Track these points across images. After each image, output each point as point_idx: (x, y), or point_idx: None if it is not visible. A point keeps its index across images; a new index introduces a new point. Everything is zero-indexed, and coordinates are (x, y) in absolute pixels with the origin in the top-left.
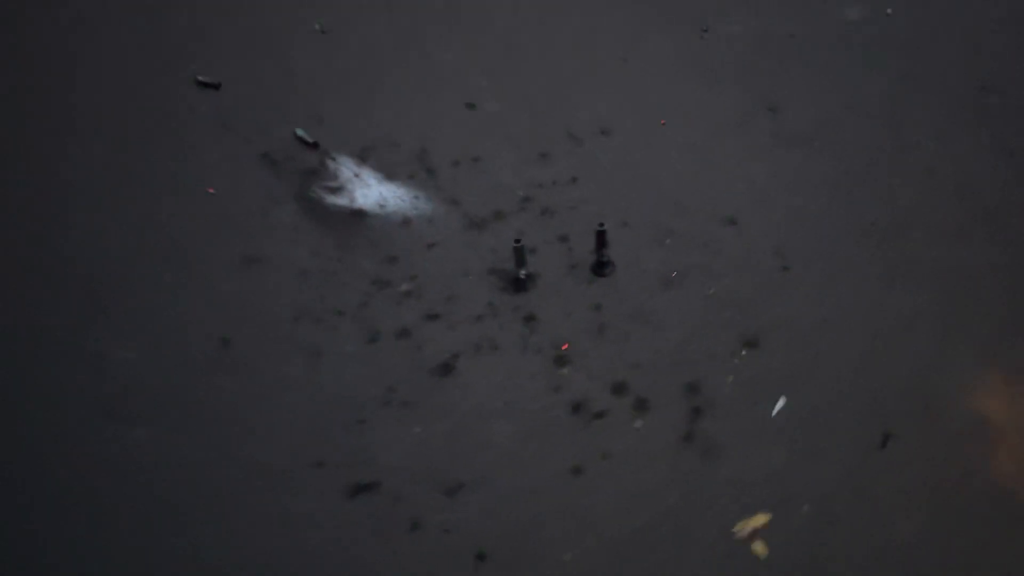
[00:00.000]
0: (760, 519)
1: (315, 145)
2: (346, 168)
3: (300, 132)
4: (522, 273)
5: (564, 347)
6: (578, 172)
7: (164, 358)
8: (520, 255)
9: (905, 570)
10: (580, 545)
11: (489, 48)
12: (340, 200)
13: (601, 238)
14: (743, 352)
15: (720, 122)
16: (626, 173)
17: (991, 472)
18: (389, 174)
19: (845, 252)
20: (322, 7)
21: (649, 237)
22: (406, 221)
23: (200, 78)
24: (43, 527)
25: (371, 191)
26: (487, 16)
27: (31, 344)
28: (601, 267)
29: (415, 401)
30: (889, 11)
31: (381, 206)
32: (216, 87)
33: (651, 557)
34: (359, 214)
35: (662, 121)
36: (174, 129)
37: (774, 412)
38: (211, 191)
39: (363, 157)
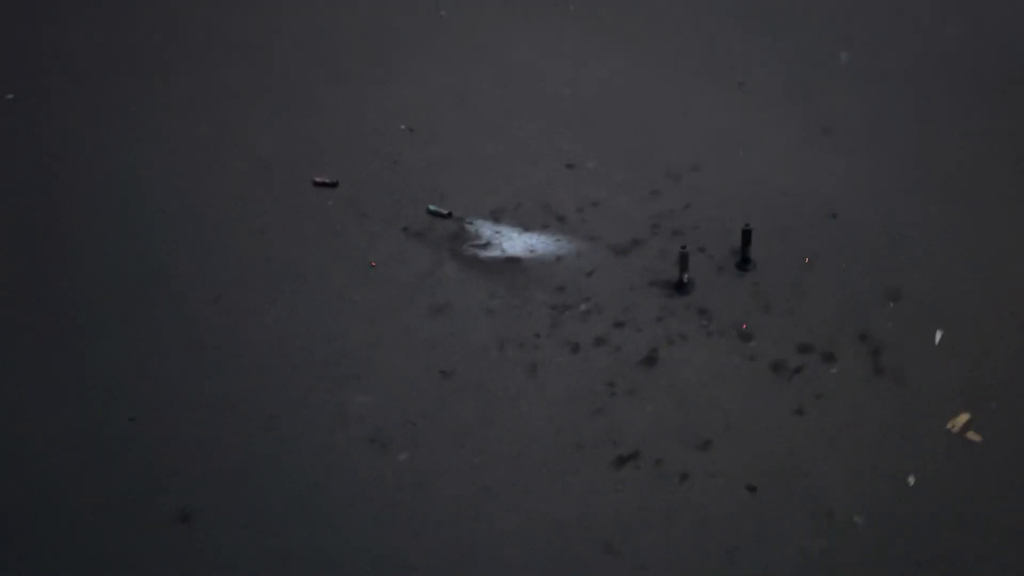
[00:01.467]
0: (964, 417)
1: (449, 215)
2: (485, 228)
3: (432, 207)
4: (685, 277)
5: (744, 327)
6: (689, 200)
7: (398, 395)
8: (685, 260)
9: None
10: (827, 463)
11: (566, 120)
12: (492, 252)
13: (746, 236)
14: (891, 304)
15: (786, 144)
16: (729, 194)
17: None
18: (525, 227)
19: (937, 212)
20: (401, 112)
21: (772, 236)
22: (558, 258)
23: (316, 180)
24: (349, 538)
25: (516, 242)
26: (553, 95)
27: (297, 404)
28: (746, 263)
29: (636, 388)
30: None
31: (531, 251)
32: (334, 185)
33: (891, 458)
34: (514, 260)
35: (740, 152)
36: (318, 223)
37: (936, 341)
38: (373, 264)
39: (496, 218)
